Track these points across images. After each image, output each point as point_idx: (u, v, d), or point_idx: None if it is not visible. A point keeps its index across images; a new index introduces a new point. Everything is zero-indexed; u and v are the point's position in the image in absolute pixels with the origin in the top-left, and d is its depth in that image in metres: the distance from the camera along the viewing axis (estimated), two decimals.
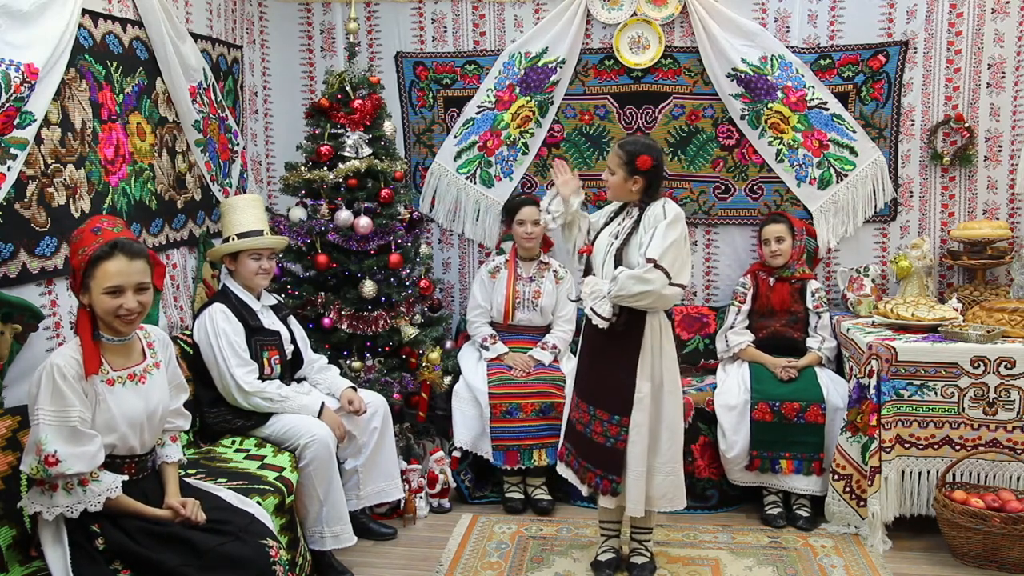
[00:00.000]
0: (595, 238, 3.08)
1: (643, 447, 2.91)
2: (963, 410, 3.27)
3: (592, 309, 2.90)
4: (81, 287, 2.21)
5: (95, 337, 2.22)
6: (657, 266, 2.78)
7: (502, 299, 3.98)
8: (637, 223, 2.94)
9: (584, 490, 3.07)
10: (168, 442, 2.44)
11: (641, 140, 3.06)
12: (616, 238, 2.98)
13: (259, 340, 3.17)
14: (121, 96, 3.12)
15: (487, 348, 3.93)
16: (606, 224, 3.08)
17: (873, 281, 4.06)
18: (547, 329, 4.03)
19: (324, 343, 3.68)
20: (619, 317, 2.89)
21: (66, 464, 2.06)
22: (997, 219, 4.08)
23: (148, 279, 2.26)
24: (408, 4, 4.36)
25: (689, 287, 4.32)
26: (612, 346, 2.94)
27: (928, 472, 3.33)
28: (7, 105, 2.42)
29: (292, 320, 3.41)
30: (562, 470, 3.19)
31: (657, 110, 4.25)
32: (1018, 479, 3.28)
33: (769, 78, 4.07)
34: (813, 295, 3.82)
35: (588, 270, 3.05)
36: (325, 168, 3.74)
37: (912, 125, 4.12)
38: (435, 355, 3.79)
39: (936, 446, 3.30)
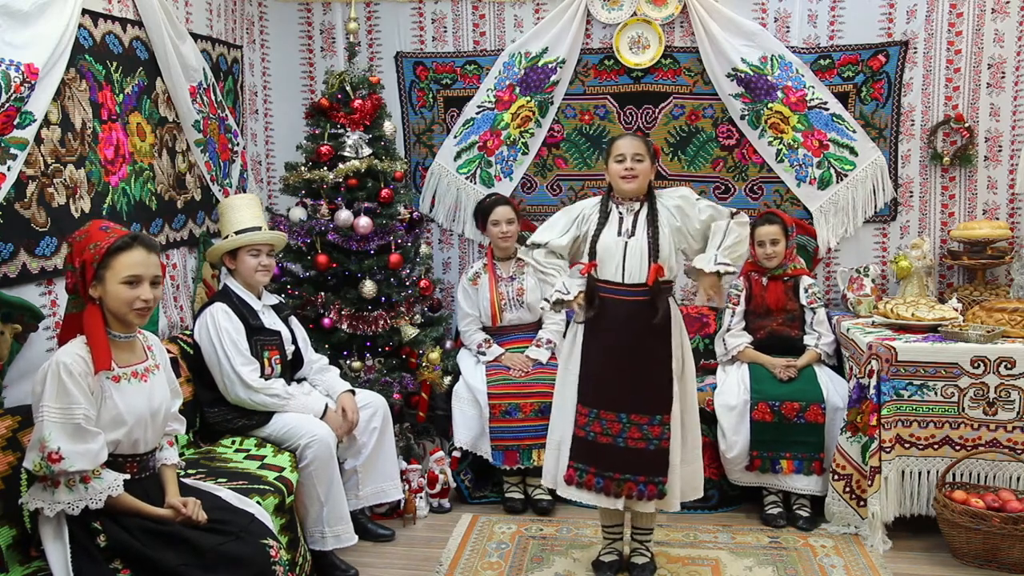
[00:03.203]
0: (592, 247, 2.96)
1: (679, 440, 2.94)
2: (963, 410, 3.27)
3: (725, 263, 2.84)
4: (93, 280, 2.21)
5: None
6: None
7: (487, 303, 3.98)
8: (653, 216, 2.94)
9: (620, 504, 2.90)
10: (165, 446, 2.44)
11: None
12: (631, 236, 2.93)
13: (260, 340, 3.17)
14: (121, 96, 3.12)
15: (484, 353, 3.92)
16: (599, 229, 2.97)
17: (873, 281, 4.06)
18: (538, 325, 4.02)
19: (324, 343, 3.68)
20: (659, 311, 2.88)
21: (69, 461, 2.06)
22: (997, 219, 4.08)
23: (160, 274, 2.30)
24: (408, 4, 4.36)
25: (689, 287, 4.34)
26: (642, 345, 2.91)
27: (928, 472, 3.32)
28: (7, 105, 2.42)
29: (293, 320, 3.41)
30: (572, 494, 2.96)
31: (657, 110, 4.25)
32: (1018, 479, 3.28)
33: (769, 78, 4.07)
34: (806, 291, 3.81)
35: (589, 284, 2.95)
36: (325, 168, 3.73)
37: (912, 125, 4.12)
38: (435, 355, 3.79)
39: (936, 446, 3.30)
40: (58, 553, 2.11)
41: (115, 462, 2.22)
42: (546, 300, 2.99)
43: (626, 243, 2.93)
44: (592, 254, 2.96)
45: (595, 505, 3.04)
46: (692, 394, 3.04)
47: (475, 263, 4.18)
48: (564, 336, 3.27)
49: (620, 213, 3.00)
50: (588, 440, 2.92)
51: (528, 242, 3.09)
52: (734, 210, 2.95)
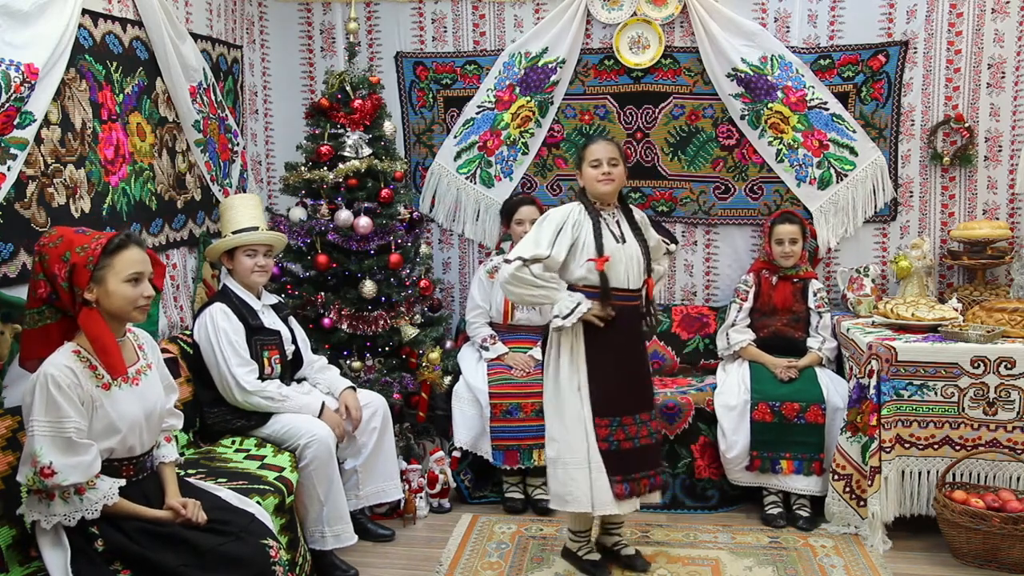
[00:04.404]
0: (599, 251, 2.91)
1: None
2: (963, 410, 3.27)
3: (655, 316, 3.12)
4: (90, 281, 2.16)
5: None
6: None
7: (501, 299, 3.97)
8: (633, 223, 3.05)
9: (637, 503, 3.00)
10: (163, 442, 2.42)
11: None
12: (624, 241, 2.98)
13: (259, 340, 3.17)
14: (121, 96, 3.12)
15: (487, 348, 3.92)
16: (600, 234, 2.93)
17: (873, 281, 4.06)
18: (546, 327, 4.01)
19: (324, 343, 3.68)
20: (651, 317, 3.06)
21: (62, 475, 2.04)
22: (997, 219, 4.08)
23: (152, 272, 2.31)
24: (408, 4, 4.36)
25: (689, 287, 4.35)
26: (634, 346, 3.04)
27: (928, 472, 3.32)
28: (7, 105, 2.42)
29: (292, 320, 3.41)
30: (620, 507, 2.94)
31: (657, 110, 4.25)
32: (1018, 479, 3.28)
33: (769, 78, 4.07)
34: (815, 295, 3.82)
35: (604, 283, 2.91)
36: (325, 168, 3.73)
37: (912, 125, 4.12)
38: (435, 355, 3.79)
39: (936, 446, 3.30)
40: (57, 560, 2.10)
41: (111, 466, 2.20)
42: (558, 317, 2.90)
43: (622, 249, 2.98)
44: (600, 255, 2.92)
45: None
46: None
47: (495, 256, 4.16)
48: (544, 346, 3.16)
49: (605, 219, 3.00)
50: (613, 450, 2.94)
51: (515, 257, 2.92)
52: (672, 248, 3.22)
